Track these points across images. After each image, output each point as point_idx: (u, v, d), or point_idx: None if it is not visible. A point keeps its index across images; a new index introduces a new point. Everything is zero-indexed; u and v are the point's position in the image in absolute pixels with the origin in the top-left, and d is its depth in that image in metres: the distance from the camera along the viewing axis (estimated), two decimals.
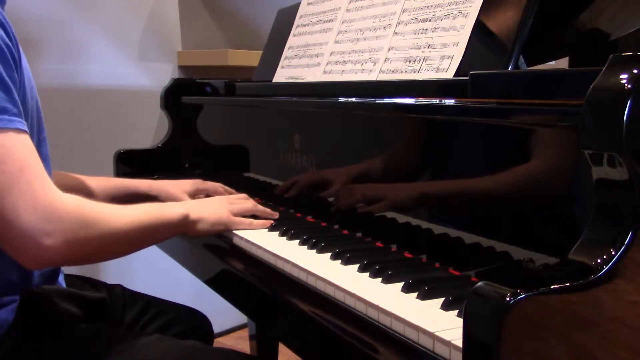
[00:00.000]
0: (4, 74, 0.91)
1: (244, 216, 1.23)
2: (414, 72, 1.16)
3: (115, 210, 1.01)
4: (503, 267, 0.86)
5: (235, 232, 1.18)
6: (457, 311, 0.76)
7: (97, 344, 1.03)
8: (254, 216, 1.25)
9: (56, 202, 0.91)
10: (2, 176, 0.87)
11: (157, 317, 1.31)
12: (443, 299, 0.79)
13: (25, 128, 0.93)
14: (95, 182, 1.37)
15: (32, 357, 0.99)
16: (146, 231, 1.06)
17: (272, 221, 1.23)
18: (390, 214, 1.08)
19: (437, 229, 0.98)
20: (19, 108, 0.92)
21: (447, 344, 0.68)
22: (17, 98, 0.93)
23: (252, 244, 1.11)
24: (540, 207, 0.83)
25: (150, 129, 2.28)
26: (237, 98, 1.74)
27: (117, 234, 0.99)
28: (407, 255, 1.02)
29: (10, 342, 0.98)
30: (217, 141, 1.78)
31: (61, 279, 1.15)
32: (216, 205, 1.22)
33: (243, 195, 1.32)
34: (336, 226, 1.20)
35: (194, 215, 1.14)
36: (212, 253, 1.25)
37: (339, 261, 0.99)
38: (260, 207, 1.26)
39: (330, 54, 1.41)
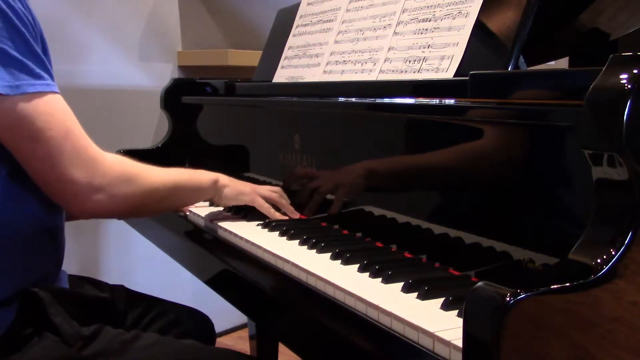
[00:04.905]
0: (35, 46, 0.98)
1: None
2: (414, 72, 1.16)
3: (152, 169, 1.12)
4: (503, 267, 0.86)
5: (236, 232, 1.18)
6: (457, 311, 0.76)
7: (98, 344, 1.03)
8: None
9: (100, 161, 1.02)
10: (51, 141, 0.97)
11: (159, 318, 1.31)
12: (443, 299, 0.79)
13: (58, 90, 1.01)
14: None
15: (32, 357, 0.98)
16: (180, 190, 1.19)
17: (287, 216, 1.27)
18: (390, 214, 1.08)
19: (437, 229, 0.98)
20: (50, 74, 1.00)
21: (447, 344, 0.68)
22: (48, 66, 1.00)
23: (253, 244, 1.11)
24: (541, 207, 0.83)
25: (150, 129, 2.27)
26: (237, 98, 1.74)
27: (155, 190, 1.11)
28: (407, 255, 1.02)
29: (10, 342, 0.97)
30: (217, 141, 1.78)
31: (65, 279, 1.15)
32: (243, 182, 1.31)
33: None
34: (336, 226, 1.20)
35: (222, 181, 1.26)
36: (212, 253, 1.26)
37: (339, 261, 0.99)
38: (284, 201, 1.29)
39: (330, 54, 1.41)
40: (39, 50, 0.99)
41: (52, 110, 0.98)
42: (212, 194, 1.25)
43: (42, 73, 0.98)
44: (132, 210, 1.12)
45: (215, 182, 1.24)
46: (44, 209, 1.04)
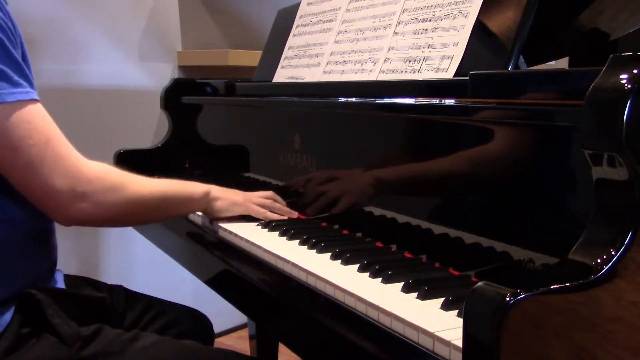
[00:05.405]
0: (14, 53, 0.96)
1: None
2: (414, 72, 1.15)
3: (140, 178, 1.11)
4: (503, 267, 0.86)
5: (236, 232, 1.18)
6: (457, 311, 0.76)
7: (97, 345, 1.03)
8: None
9: (83, 168, 1.00)
10: (31, 150, 0.95)
11: (158, 318, 1.31)
12: (443, 299, 0.79)
13: (38, 97, 0.99)
14: None
15: (30, 358, 0.98)
16: (169, 201, 1.17)
17: (285, 216, 1.26)
18: (390, 214, 1.08)
19: (437, 229, 0.98)
20: (29, 81, 0.99)
21: (447, 344, 0.68)
22: (27, 72, 0.99)
23: (253, 244, 1.11)
24: (540, 207, 0.83)
25: (150, 129, 2.27)
26: (237, 98, 1.74)
27: (142, 199, 1.10)
28: (407, 255, 1.02)
29: (8, 343, 0.97)
30: (217, 141, 1.78)
31: (60, 280, 1.15)
32: (235, 192, 1.29)
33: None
34: (336, 226, 1.20)
35: (214, 193, 1.24)
36: (212, 253, 1.26)
37: (339, 261, 0.99)
38: (278, 205, 1.29)
39: (330, 54, 1.41)
40: (18, 56, 0.97)
41: (32, 118, 0.96)
42: (203, 206, 1.24)
43: (21, 80, 0.96)
44: (118, 218, 1.10)
45: (207, 194, 1.23)
46: (32, 215, 1.04)
